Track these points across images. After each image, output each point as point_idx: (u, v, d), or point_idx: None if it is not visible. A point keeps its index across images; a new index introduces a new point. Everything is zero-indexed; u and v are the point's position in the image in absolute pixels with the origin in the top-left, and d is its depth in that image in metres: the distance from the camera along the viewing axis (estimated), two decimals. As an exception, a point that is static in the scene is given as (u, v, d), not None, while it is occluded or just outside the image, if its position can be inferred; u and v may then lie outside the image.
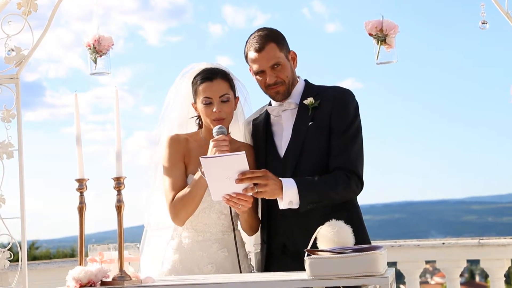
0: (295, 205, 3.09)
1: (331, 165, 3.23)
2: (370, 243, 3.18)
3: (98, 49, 3.53)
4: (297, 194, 3.07)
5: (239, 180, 2.93)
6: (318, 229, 2.74)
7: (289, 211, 3.12)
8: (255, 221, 3.33)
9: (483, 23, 3.30)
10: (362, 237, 2.94)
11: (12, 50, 3.63)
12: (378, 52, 3.28)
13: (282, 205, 3.08)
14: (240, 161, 2.89)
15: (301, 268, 2.85)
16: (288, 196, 3.06)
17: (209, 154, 3.10)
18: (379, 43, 3.25)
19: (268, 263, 3.37)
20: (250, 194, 2.99)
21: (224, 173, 2.92)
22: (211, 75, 3.31)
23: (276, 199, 3.09)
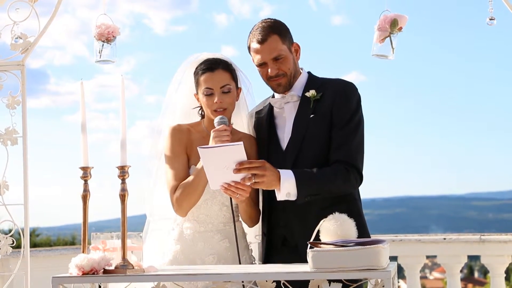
0: (292, 196, 3.08)
1: (331, 157, 3.22)
2: (369, 237, 3.18)
3: (97, 37, 3.51)
4: (295, 186, 3.06)
5: (237, 170, 2.93)
6: (321, 221, 2.74)
7: (289, 203, 3.12)
8: (254, 212, 3.32)
9: (490, 19, 3.28)
10: (361, 231, 2.94)
11: (19, 37, 3.63)
12: (392, 47, 3.25)
13: (280, 196, 3.08)
14: (238, 151, 2.89)
15: (300, 260, 2.84)
16: (286, 187, 3.05)
17: (210, 144, 3.10)
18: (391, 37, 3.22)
19: (269, 255, 3.37)
20: (248, 184, 2.99)
21: (222, 163, 2.92)
22: (212, 66, 3.30)
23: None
